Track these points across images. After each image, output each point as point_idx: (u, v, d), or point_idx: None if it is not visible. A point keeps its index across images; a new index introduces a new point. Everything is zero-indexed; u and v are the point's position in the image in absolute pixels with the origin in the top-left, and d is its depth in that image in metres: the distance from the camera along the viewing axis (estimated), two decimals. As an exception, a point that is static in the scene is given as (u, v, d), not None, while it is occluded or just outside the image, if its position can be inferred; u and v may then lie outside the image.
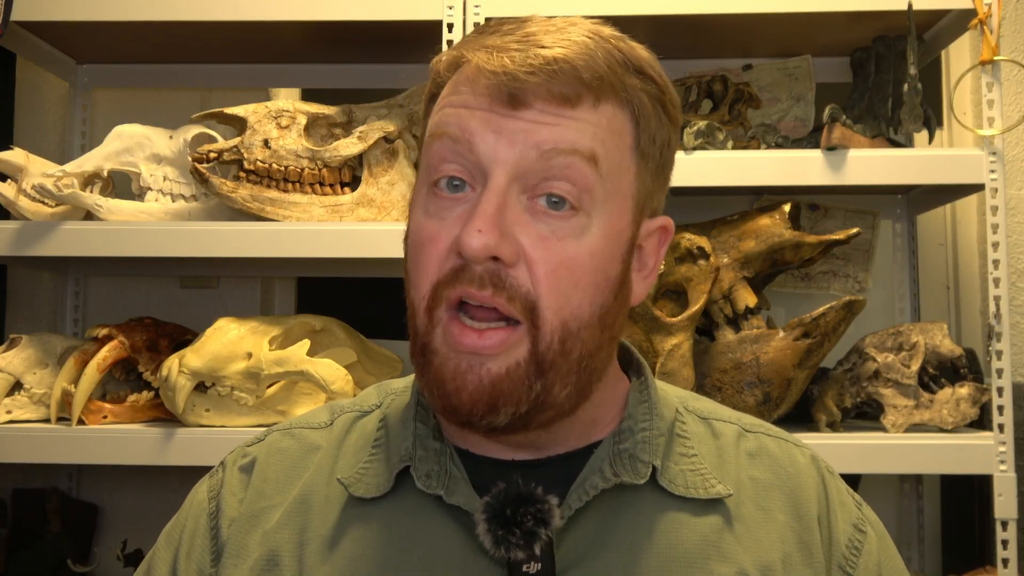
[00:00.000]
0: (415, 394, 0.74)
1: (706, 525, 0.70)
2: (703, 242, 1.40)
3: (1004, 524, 1.32)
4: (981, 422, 1.42)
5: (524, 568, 0.65)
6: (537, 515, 0.64)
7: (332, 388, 1.37)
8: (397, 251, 1.36)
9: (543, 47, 0.65)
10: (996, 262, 1.35)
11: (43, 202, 1.48)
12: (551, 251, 0.64)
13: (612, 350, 0.72)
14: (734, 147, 1.43)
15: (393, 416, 0.76)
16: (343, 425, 0.78)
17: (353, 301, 1.87)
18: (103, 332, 1.45)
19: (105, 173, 1.49)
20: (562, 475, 0.69)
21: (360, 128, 1.46)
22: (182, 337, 1.53)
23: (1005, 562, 1.32)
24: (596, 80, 0.65)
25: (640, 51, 0.70)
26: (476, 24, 1.43)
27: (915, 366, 1.40)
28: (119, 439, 1.38)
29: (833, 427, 1.42)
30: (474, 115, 0.65)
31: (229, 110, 1.44)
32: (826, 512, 0.74)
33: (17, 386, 1.46)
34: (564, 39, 0.65)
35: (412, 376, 0.74)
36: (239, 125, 1.44)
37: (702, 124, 1.41)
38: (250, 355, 1.38)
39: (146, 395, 1.47)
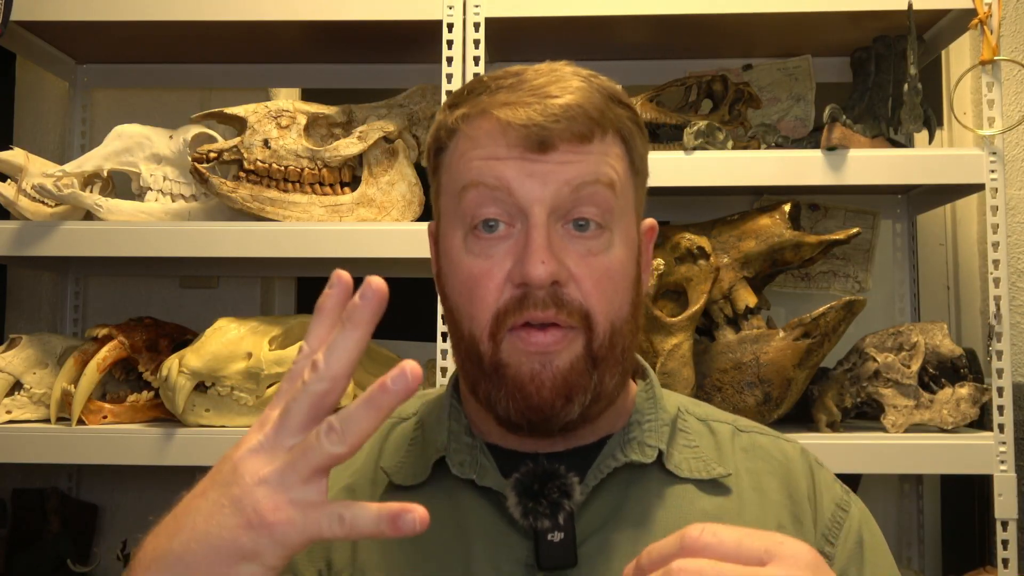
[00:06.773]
0: (448, 396, 0.84)
1: (708, 501, 0.79)
2: (703, 242, 1.40)
3: (1004, 524, 1.32)
4: (981, 422, 1.42)
5: (549, 537, 0.73)
6: (561, 488, 0.73)
7: (332, 388, 1.37)
8: (397, 251, 1.39)
9: (554, 96, 0.74)
10: (996, 262, 1.36)
11: (43, 202, 1.48)
12: (591, 266, 0.74)
13: (638, 341, 0.82)
14: (734, 147, 1.43)
15: (428, 417, 0.86)
16: (383, 428, 0.86)
17: (353, 301, 1.87)
18: (103, 332, 1.45)
19: (105, 173, 1.49)
20: (579, 464, 0.77)
21: (360, 128, 1.46)
22: (182, 337, 1.53)
23: (1005, 562, 1.32)
24: (601, 117, 0.75)
25: (612, 83, 0.80)
26: (476, 24, 1.43)
27: (915, 366, 1.40)
28: (119, 439, 1.38)
29: (833, 427, 1.42)
30: (507, 164, 0.74)
31: (229, 110, 1.44)
32: (813, 493, 0.83)
33: (17, 386, 1.46)
34: (565, 87, 0.75)
35: (446, 384, 0.87)
36: (239, 125, 1.44)
37: (702, 124, 1.40)
38: (250, 355, 1.38)
39: (146, 395, 1.47)
